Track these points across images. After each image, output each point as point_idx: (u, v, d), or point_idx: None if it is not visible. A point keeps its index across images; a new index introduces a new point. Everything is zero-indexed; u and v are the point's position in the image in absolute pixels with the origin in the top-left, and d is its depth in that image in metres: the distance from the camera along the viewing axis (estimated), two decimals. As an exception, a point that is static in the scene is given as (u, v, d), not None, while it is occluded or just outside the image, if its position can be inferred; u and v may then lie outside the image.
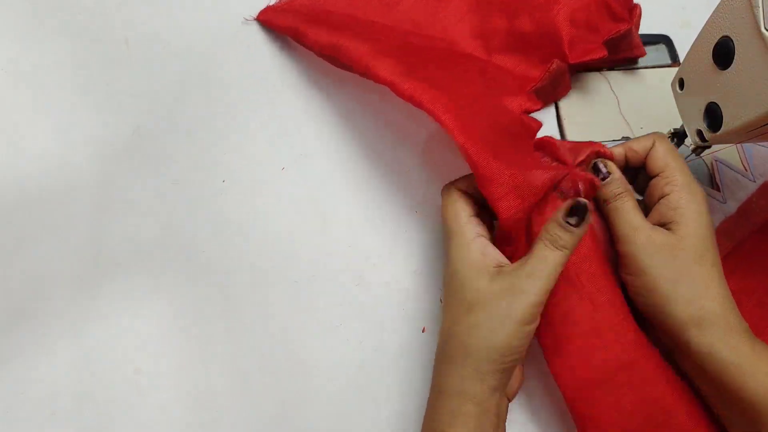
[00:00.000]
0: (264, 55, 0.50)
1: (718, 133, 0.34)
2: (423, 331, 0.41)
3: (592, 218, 0.35)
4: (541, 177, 0.35)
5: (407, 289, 0.42)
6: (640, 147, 0.38)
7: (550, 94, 0.47)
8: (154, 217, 0.44)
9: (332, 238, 0.44)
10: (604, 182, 0.36)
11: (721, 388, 0.32)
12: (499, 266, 0.34)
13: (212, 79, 0.49)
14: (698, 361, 0.33)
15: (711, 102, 0.34)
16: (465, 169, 0.45)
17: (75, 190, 0.45)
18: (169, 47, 0.50)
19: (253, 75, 0.49)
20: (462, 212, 0.36)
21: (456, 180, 0.38)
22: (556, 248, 0.33)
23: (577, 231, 0.33)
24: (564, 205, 0.34)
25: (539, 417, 0.39)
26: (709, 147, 0.38)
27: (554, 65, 0.45)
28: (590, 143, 0.38)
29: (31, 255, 0.43)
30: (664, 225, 0.35)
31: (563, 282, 0.35)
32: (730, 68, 0.32)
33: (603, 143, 0.38)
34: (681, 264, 0.33)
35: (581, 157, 0.37)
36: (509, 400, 0.35)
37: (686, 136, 0.38)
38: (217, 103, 0.48)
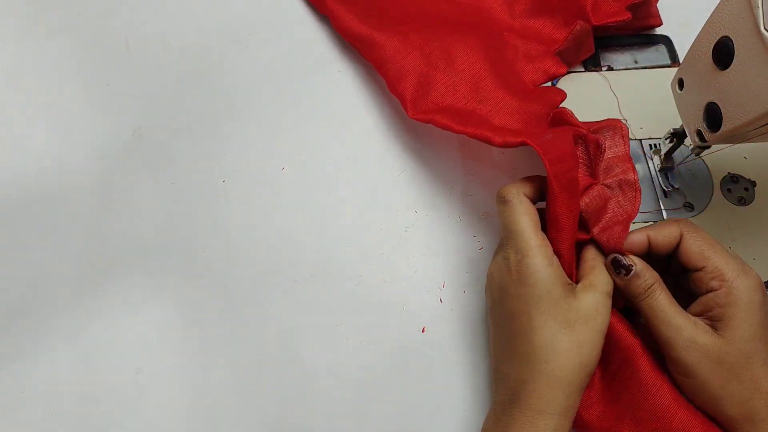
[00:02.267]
0: (264, 56, 0.50)
1: (717, 133, 0.34)
2: (423, 331, 0.41)
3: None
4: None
5: (407, 289, 0.42)
6: (663, 237, 0.35)
7: (575, 55, 0.48)
8: (154, 217, 0.44)
9: (332, 238, 0.44)
10: (628, 277, 0.35)
11: None
12: (570, 282, 0.35)
13: (212, 79, 0.49)
14: None
15: (710, 102, 0.34)
16: (461, 169, 0.46)
17: (75, 190, 0.45)
18: (169, 47, 0.50)
19: (253, 75, 0.49)
20: (537, 224, 0.35)
21: (517, 184, 0.37)
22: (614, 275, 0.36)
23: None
24: (609, 258, 0.36)
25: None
26: (708, 147, 0.38)
27: (578, 26, 0.46)
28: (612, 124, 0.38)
29: (31, 255, 0.43)
30: (710, 319, 0.34)
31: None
32: (729, 68, 0.32)
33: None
34: (728, 368, 0.33)
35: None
36: None
37: (686, 136, 0.38)
38: (217, 104, 0.48)
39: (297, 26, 0.51)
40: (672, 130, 0.41)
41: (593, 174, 0.37)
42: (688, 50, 0.35)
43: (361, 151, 0.47)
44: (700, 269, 0.34)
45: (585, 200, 0.36)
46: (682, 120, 0.38)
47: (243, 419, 0.39)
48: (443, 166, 0.46)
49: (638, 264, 0.35)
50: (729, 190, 0.44)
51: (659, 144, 0.45)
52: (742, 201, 0.44)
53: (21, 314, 0.41)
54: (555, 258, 0.35)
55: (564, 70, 0.47)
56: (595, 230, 0.36)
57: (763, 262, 0.42)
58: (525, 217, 0.35)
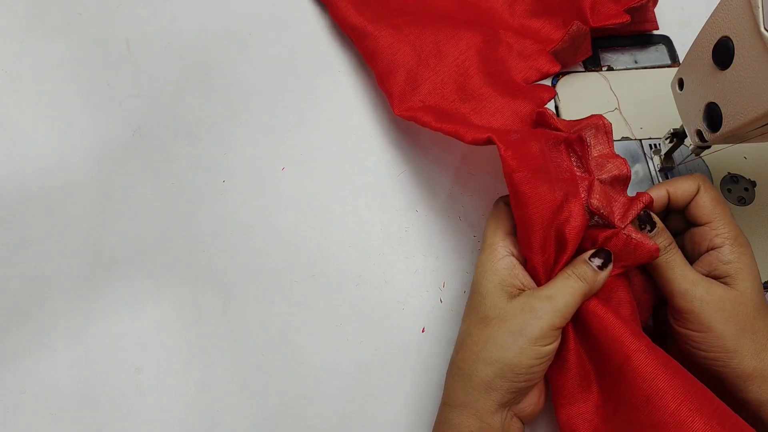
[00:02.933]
0: (264, 56, 0.50)
1: (717, 133, 0.34)
2: (423, 331, 0.41)
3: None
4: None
5: (407, 289, 0.42)
6: (682, 191, 0.36)
7: (571, 56, 0.48)
8: (154, 217, 0.44)
9: (332, 237, 0.44)
10: (653, 233, 0.35)
11: None
12: (522, 289, 0.35)
13: (212, 79, 0.49)
14: (761, 412, 0.33)
15: (710, 102, 0.34)
16: (461, 169, 0.46)
17: (75, 190, 0.45)
18: (169, 47, 0.50)
19: (253, 75, 0.49)
20: (501, 228, 0.36)
21: (505, 196, 0.38)
22: (579, 278, 0.34)
23: (602, 273, 0.34)
24: (591, 251, 0.35)
25: None
26: (708, 147, 0.38)
27: (575, 27, 0.46)
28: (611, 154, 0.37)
29: (31, 255, 0.43)
30: (715, 278, 0.35)
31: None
32: (729, 68, 0.32)
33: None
34: (744, 318, 0.33)
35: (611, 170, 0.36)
36: (524, 423, 0.35)
37: (686, 136, 0.38)
38: (217, 104, 0.48)
39: (297, 26, 0.51)
40: (672, 130, 0.41)
41: (587, 170, 0.37)
42: (688, 50, 0.35)
43: (361, 151, 0.47)
44: (705, 224, 0.35)
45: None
46: (682, 120, 0.38)
47: (243, 419, 0.39)
48: (444, 165, 0.46)
49: (659, 224, 0.36)
50: (729, 190, 0.44)
51: (659, 144, 0.45)
52: (742, 201, 0.44)
53: (21, 314, 0.41)
54: (507, 259, 0.35)
55: (557, 68, 0.47)
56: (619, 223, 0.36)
57: (764, 262, 0.42)
58: (492, 220, 0.37)
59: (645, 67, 0.49)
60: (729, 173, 0.45)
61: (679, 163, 0.44)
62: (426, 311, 0.42)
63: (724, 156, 0.44)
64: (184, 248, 0.43)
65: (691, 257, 0.36)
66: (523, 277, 0.35)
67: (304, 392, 0.39)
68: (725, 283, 0.34)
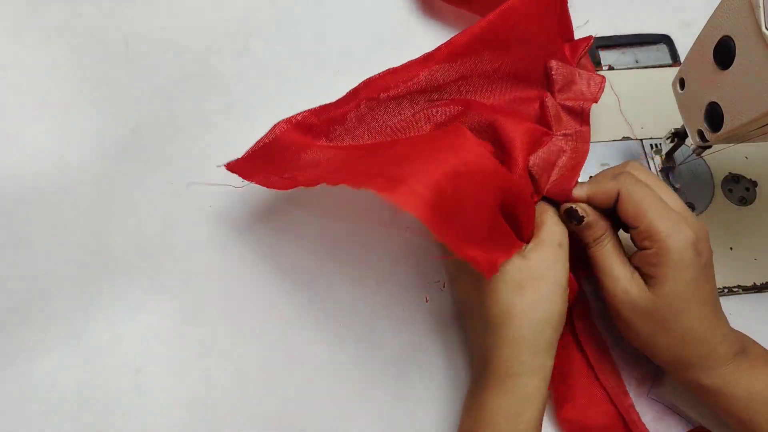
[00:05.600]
0: (263, 56, 0.50)
1: (718, 133, 0.34)
2: (423, 331, 0.41)
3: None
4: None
5: (407, 289, 0.42)
6: (601, 194, 0.35)
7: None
8: (154, 217, 0.44)
9: (332, 238, 0.44)
10: (580, 227, 0.36)
11: (713, 409, 0.35)
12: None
13: (212, 78, 0.49)
14: (688, 388, 0.35)
15: (711, 102, 0.34)
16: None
17: (75, 190, 0.45)
18: (169, 47, 0.50)
19: (252, 74, 0.49)
20: None
21: None
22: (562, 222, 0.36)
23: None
24: (562, 208, 0.36)
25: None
26: (709, 147, 0.38)
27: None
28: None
29: (31, 255, 0.43)
30: (643, 273, 0.34)
31: None
32: (730, 68, 0.32)
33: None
34: (658, 321, 0.34)
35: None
36: None
37: (687, 135, 0.38)
38: (216, 103, 0.48)
39: (297, 26, 0.51)
40: (673, 130, 0.41)
41: (547, 125, 0.39)
42: (689, 50, 0.35)
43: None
44: (634, 228, 0.35)
45: (536, 157, 0.38)
46: (683, 120, 0.38)
47: (243, 419, 0.39)
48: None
49: (590, 215, 0.36)
50: (730, 190, 0.44)
51: (660, 144, 0.45)
52: (744, 201, 0.44)
53: (21, 314, 0.41)
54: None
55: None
56: (546, 186, 0.38)
57: (765, 261, 0.42)
58: None
59: (646, 67, 0.49)
60: (730, 173, 0.45)
61: (680, 163, 0.44)
62: (425, 311, 0.42)
63: (725, 156, 0.44)
64: (184, 248, 0.43)
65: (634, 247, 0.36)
66: None
67: (304, 392, 0.39)
68: (650, 284, 0.34)
